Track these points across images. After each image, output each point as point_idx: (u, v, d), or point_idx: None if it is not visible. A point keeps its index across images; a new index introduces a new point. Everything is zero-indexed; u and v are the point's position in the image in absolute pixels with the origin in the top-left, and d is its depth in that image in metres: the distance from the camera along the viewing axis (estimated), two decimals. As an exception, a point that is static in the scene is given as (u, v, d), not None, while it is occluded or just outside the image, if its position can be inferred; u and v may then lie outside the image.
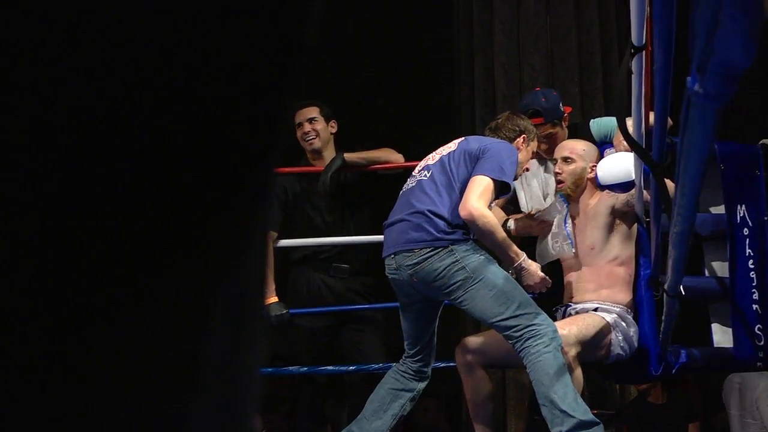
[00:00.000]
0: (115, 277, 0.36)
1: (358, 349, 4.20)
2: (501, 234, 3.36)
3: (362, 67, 7.93)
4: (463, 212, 3.30)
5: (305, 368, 4.12)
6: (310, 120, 4.31)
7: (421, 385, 3.56)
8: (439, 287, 3.33)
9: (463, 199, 3.33)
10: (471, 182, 3.35)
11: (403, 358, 3.56)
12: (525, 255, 3.43)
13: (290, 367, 4.13)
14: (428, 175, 3.47)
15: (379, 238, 4.17)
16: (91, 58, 0.35)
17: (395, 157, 4.29)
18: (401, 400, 3.52)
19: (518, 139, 3.57)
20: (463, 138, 3.62)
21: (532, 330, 3.26)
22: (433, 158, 3.55)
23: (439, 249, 3.31)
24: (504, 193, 3.48)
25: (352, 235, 4.24)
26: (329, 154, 4.29)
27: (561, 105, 4.03)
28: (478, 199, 3.30)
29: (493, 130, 3.62)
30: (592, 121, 4.15)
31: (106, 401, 0.36)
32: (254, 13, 0.39)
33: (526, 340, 3.26)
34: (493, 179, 3.34)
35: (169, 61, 0.37)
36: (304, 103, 4.34)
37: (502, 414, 4.99)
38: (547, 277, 3.46)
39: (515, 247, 3.41)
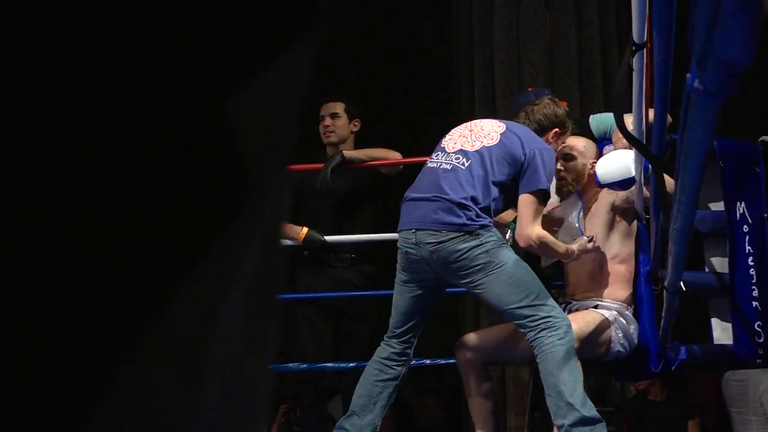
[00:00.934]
0: (120, 274, 0.36)
1: (353, 351, 4.21)
2: (558, 246, 3.50)
3: (361, 64, 7.92)
4: (521, 242, 3.42)
5: (305, 365, 4.12)
6: (333, 115, 4.35)
7: (404, 370, 3.49)
8: (458, 269, 3.30)
9: (518, 227, 3.42)
10: (521, 205, 3.42)
11: (386, 338, 3.49)
12: (575, 248, 3.57)
13: (290, 364, 4.13)
14: (466, 165, 3.41)
15: (381, 236, 4.18)
16: (90, 50, 0.35)
17: (393, 155, 4.31)
18: (388, 390, 3.46)
19: (550, 133, 3.58)
20: (504, 128, 3.52)
21: (549, 321, 3.26)
22: (472, 144, 3.47)
23: (464, 233, 3.31)
24: (548, 198, 3.53)
25: (355, 232, 4.26)
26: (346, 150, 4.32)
27: None
28: (532, 226, 3.38)
29: (528, 113, 3.61)
30: (591, 116, 4.15)
31: (109, 399, 0.35)
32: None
33: (540, 331, 3.25)
34: (538, 191, 3.41)
35: (170, 54, 0.37)
36: (331, 97, 4.40)
37: (502, 411, 4.99)
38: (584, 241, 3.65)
39: (569, 247, 3.55)
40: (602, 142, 3.95)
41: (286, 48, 0.40)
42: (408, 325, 3.46)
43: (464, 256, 3.28)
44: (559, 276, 3.89)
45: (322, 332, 4.27)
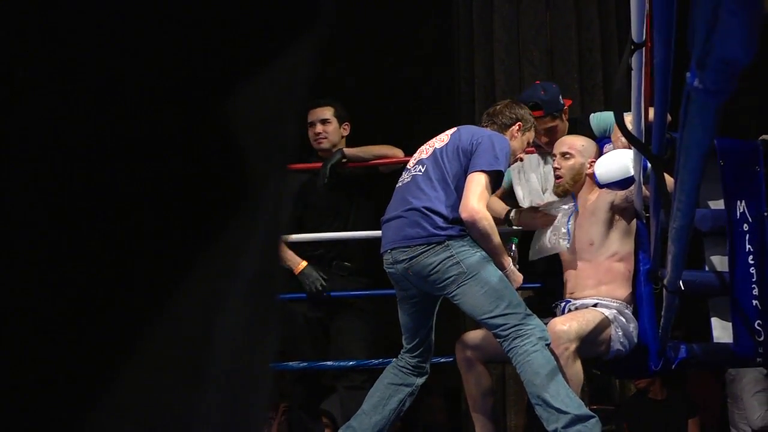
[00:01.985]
0: (120, 273, 0.36)
1: (339, 335, 4.22)
2: (497, 238, 3.40)
3: (361, 64, 7.92)
4: (463, 214, 3.33)
5: (305, 363, 4.12)
6: (323, 121, 4.33)
7: (420, 381, 3.57)
8: (433, 281, 3.35)
9: (462, 199, 3.36)
10: (468, 181, 3.37)
11: (402, 353, 3.58)
12: (511, 264, 3.47)
13: (290, 363, 4.12)
14: (422, 170, 3.49)
15: (378, 233, 4.18)
16: (92, 48, 0.35)
17: (394, 152, 4.30)
18: (400, 395, 3.53)
19: (513, 127, 3.59)
20: (455, 129, 3.63)
21: (519, 330, 3.27)
22: (426, 152, 3.57)
23: (434, 244, 3.34)
24: (499, 184, 3.50)
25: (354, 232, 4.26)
26: None
27: (561, 98, 4.02)
28: (478, 201, 3.32)
29: (491, 115, 3.65)
30: (592, 115, 4.14)
31: (110, 399, 0.35)
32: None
33: (513, 340, 3.27)
34: (488, 172, 3.37)
35: (169, 54, 0.37)
36: (318, 102, 4.36)
37: (502, 409, 4.99)
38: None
39: (507, 255, 3.46)
40: (603, 141, 3.94)
41: (287, 47, 0.40)
42: (416, 341, 3.53)
43: (436, 269, 3.32)
44: (556, 274, 3.88)
45: (317, 330, 4.27)
